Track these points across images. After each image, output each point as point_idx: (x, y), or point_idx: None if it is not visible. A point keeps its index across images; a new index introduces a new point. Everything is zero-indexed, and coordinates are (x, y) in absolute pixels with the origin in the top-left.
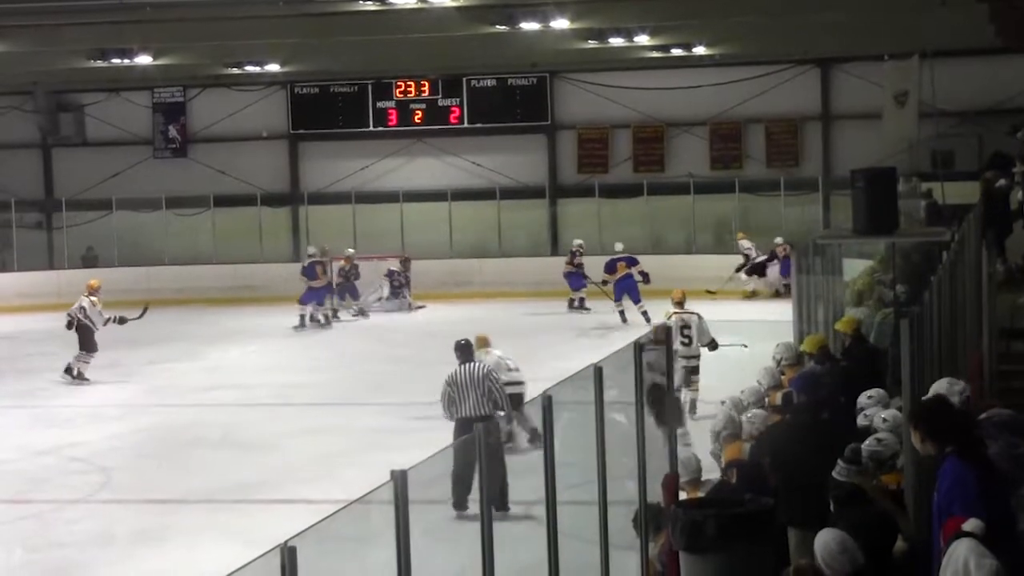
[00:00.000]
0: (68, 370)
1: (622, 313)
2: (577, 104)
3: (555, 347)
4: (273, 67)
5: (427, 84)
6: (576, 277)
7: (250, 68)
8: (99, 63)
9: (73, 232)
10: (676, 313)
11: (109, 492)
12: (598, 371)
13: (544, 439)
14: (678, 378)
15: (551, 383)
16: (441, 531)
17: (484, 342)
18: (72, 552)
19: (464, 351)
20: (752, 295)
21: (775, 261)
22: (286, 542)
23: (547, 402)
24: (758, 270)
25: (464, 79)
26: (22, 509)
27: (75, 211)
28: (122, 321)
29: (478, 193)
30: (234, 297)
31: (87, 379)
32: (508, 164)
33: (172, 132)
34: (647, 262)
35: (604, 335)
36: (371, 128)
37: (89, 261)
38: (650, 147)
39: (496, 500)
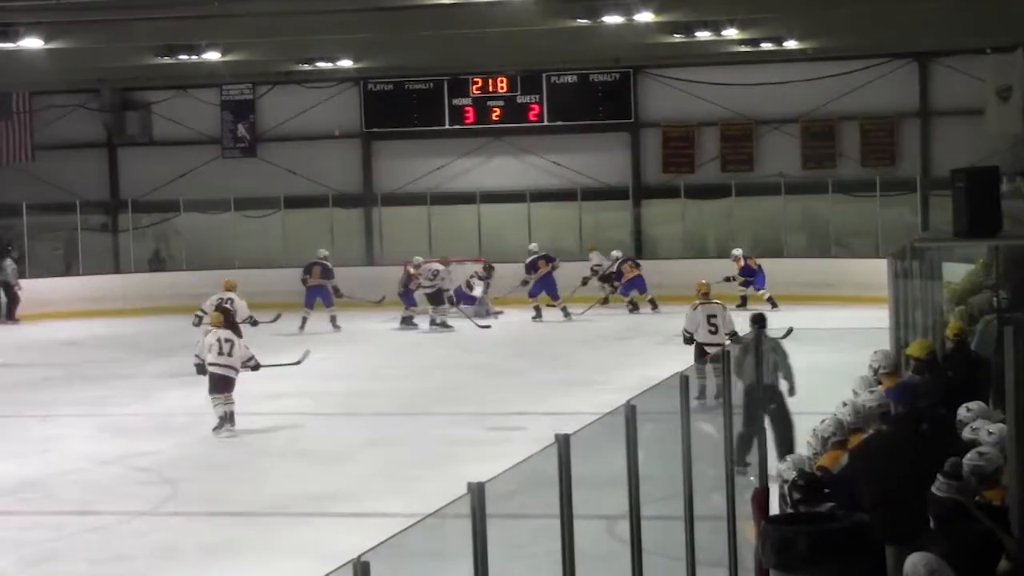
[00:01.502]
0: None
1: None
2: (662, 101)
3: (640, 354)
4: (345, 63)
5: (505, 80)
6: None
7: (321, 64)
8: (166, 60)
9: (139, 234)
10: (702, 304)
11: (177, 504)
12: (684, 380)
13: (628, 451)
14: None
15: (635, 392)
16: (520, 547)
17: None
18: (139, 565)
19: (760, 322)
20: (605, 302)
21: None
22: (359, 557)
23: (631, 412)
24: (608, 280)
25: (544, 75)
26: (88, 520)
27: (141, 213)
28: (254, 323)
29: (558, 194)
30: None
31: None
32: (589, 164)
33: (241, 131)
34: (729, 266)
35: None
36: (447, 126)
37: (156, 264)
38: (738, 145)
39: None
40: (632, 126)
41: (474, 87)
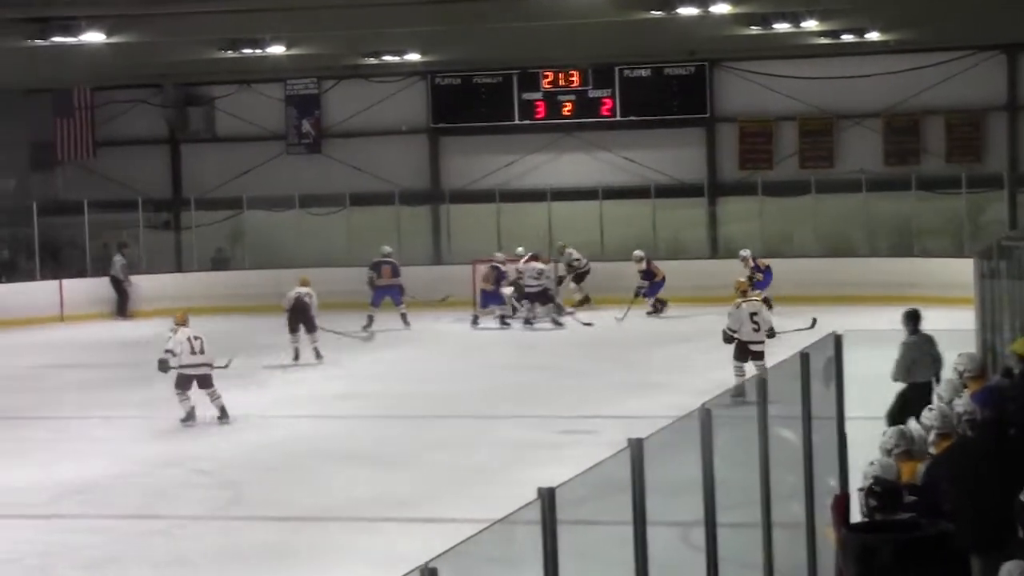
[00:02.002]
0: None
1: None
2: (738, 95)
3: (714, 356)
4: (413, 57)
5: (577, 74)
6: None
7: (388, 58)
8: (229, 54)
9: (202, 232)
10: (744, 302)
11: (237, 508)
12: (761, 383)
13: (703, 456)
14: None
15: (710, 395)
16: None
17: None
18: (199, 570)
19: (915, 319)
20: (584, 302)
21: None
22: (427, 563)
23: (706, 416)
24: (580, 279)
25: (616, 69)
26: (147, 524)
27: (204, 210)
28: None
29: (631, 191)
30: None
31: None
32: (664, 160)
33: (306, 126)
34: (815, 266)
35: (768, 345)
36: (516, 121)
37: (219, 263)
38: (818, 141)
39: None
40: (708, 121)
41: (544, 81)
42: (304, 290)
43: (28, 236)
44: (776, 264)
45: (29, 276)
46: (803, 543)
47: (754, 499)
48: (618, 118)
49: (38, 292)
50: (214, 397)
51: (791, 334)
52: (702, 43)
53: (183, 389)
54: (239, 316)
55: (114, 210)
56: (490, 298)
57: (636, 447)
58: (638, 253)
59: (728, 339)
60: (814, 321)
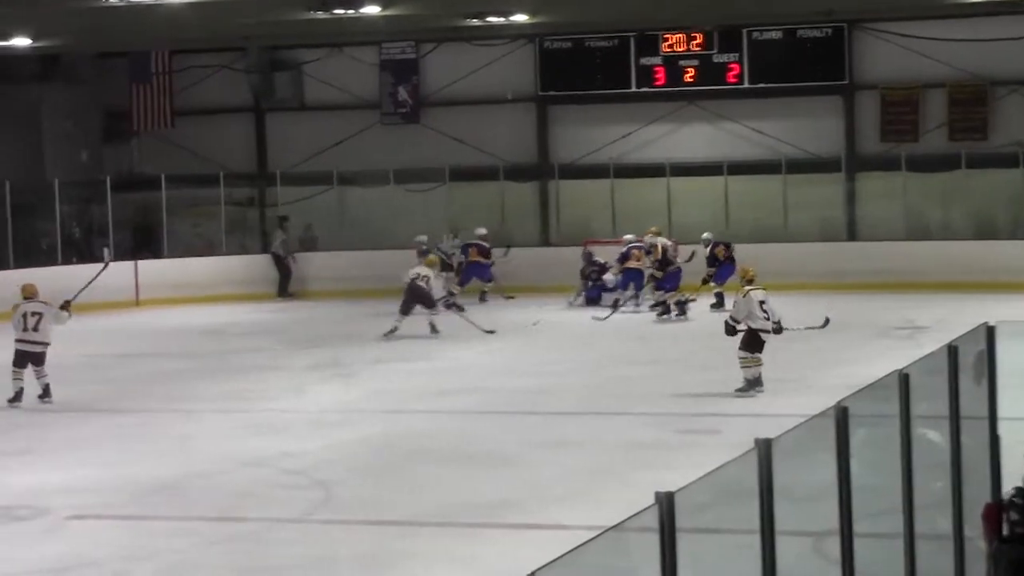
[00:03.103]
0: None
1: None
2: (880, 59)
3: (851, 349)
4: (520, 18)
5: (700, 37)
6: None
7: (493, 19)
8: (320, 14)
9: (289, 210)
10: (751, 290)
11: (330, 511)
12: (904, 378)
13: (838, 459)
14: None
15: (847, 391)
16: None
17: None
18: None
19: None
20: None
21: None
22: (533, 573)
23: (841, 415)
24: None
25: (744, 31)
26: (232, 528)
27: (291, 186)
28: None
29: (760, 166)
30: (472, 287)
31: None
32: (796, 131)
33: (402, 94)
34: (965, 249)
35: (911, 336)
36: (633, 89)
37: (307, 243)
38: (969, 111)
39: None
40: (846, 88)
41: (665, 44)
42: (424, 271)
43: (101, 213)
44: (921, 247)
45: (101, 257)
46: (950, 557)
47: (895, 507)
48: (746, 85)
49: (111, 275)
50: (40, 375)
51: (800, 332)
52: (840, 2)
53: (17, 367)
54: (330, 302)
55: (193, 185)
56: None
57: (764, 448)
58: (707, 236)
59: (731, 330)
60: (827, 321)
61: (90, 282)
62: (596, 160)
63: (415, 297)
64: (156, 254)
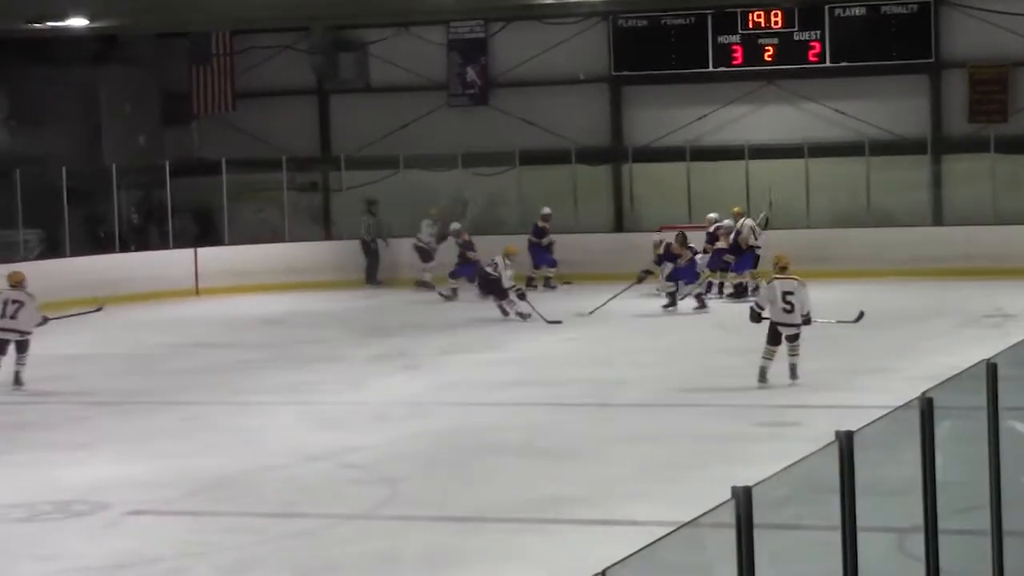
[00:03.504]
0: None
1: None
2: (969, 36)
3: (937, 338)
4: None
5: (780, 14)
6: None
7: None
8: None
9: (354, 195)
10: (779, 279)
11: (394, 507)
12: (991, 368)
13: (923, 453)
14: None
15: (932, 382)
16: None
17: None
18: None
19: None
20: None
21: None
22: (605, 571)
23: (927, 406)
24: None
25: (826, 7)
26: (292, 524)
27: (356, 170)
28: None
29: (842, 148)
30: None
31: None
32: (880, 111)
33: (471, 75)
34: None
35: (999, 324)
36: (710, 68)
37: (373, 230)
38: None
39: None
40: (932, 67)
41: (743, 22)
42: (498, 259)
43: (160, 198)
44: (1011, 232)
45: (161, 243)
46: None
47: (982, 503)
48: (827, 64)
49: (171, 262)
50: (20, 362)
51: (831, 325)
52: None
53: None
54: (396, 291)
55: (255, 169)
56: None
57: (846, 441)
58: (712, 216)
59: (755, 317)
60: (861, 314)
61: (74, 315)
62: (671, 142)
63: (485, 288)
64: (217, 241)
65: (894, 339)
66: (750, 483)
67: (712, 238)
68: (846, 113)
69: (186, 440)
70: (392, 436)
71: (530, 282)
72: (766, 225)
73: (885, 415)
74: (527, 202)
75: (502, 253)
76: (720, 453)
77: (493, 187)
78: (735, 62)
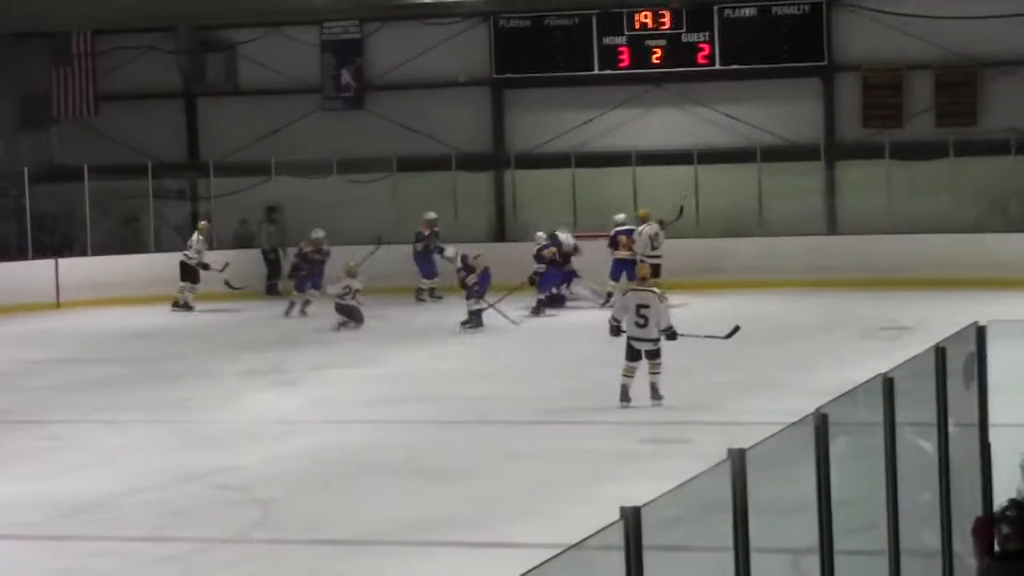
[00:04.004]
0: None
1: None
2: (862, 38)
3: (832, 351)
4: None
5: (667, 15)
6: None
7: None
8: None
9: (223, 203)
10: (633, 291)
11: (267, 530)
12: (888, 383)
13: (818, 470)
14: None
15: (827, 397)
16: None
17: None
18: None
19: None
20: None
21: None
22: None
23: (821, 421)
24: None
25: (715, 8)
26: (162, 548)
27: (225, 176)
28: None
29: (733, 154)
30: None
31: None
32: (772, 116)
33: (346, 77)
34: (953, 243)
35: (896, 337)
36: (596, 71)
37: (243, 238)
38: (958, 94)
39: None
40: (825, 70)
41: (630, 23)
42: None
43: (18, 207)
44: (907, 241)
45: (19, 255)
46: (938, 575)
47: (879, 521)
48: (717, 67)
49: (29, 274)
50: None
51: (703, 340)
52: None
53: None
54: (268, 303)
55: (119, 176)
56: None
57: (738, 459)
58: (619, 218)
59: (614, 331)
60: (736, 328)
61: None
62: (556, 148)
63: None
64: (79, 252)
65: (788, 352)
66: (639, 503)
67: (613, 243)
68: (737, 118)
69: (47, 461)
70: (266, 455)
71: (419, 294)
72: (680, 215)
73: (778, 432)
74: (406, 210)
75: (344, 272)
76: (606, 472)
77: (369, 194)
78: (621, 64)
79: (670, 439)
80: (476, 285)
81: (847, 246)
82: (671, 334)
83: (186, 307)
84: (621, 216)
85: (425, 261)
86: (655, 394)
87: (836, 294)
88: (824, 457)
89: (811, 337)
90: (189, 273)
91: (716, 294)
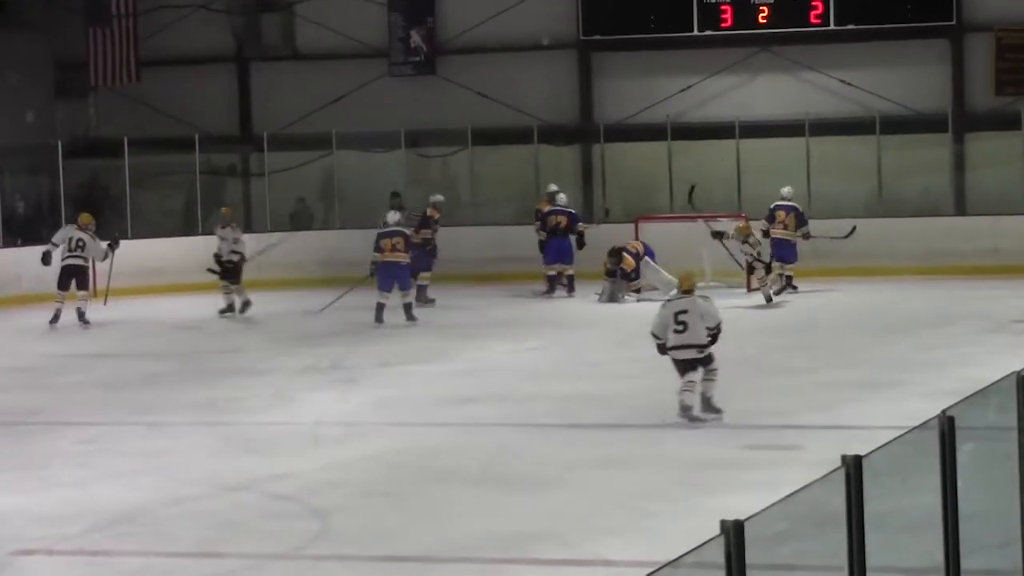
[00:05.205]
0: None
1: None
2: None
3: (959, 347)
4: None
5: None
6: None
7: None
8: None
9: (279, 180)
10: (675, 299)
11: (327, 544)
12: (1022, 381)
13: (943, 480)
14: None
15: (954, 398)
16: None
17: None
18: None
19: None
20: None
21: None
22: None
23: (947, 425)
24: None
25: None
26: (210, 565)
27: (281, 151)
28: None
29: (849, 125)
30: (501, 273)
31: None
32: (893, 83)
33: (415, 40)
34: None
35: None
36: (695, 32)
37: (300, 219)
38: None
39: None
40: (953, 30)
41: None
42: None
43: (52, 184)
44: None
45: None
46: None
47: (1013, 538)
48: (832, 27)
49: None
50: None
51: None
52: None
53: None
54: (329, 290)
55: (164, 150)
56: None
57: (853, 467)
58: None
59: (660, 349)
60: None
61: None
62: (651, 119)
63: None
64: (119, 233)
65: (909, 348)
66: (741, 516)
67: (771, 218)
68: (854, 85)
69: (84, 467)
70: (324, 461)
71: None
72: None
73: (899, 437)
74: (481, 187)
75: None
76: (706, 481)
77: (442, 171)
78: (724, 25)
79: (776, 445)
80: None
81: (976, 228)
82: (714, 334)
83: (240, 308)
84: (787, 190)
85: (423, 254)
86: (708, 406)
87: (963, 282)
88: (950, 465)
89: (934, 331)
90: (228, 272)
91: (828, 282)
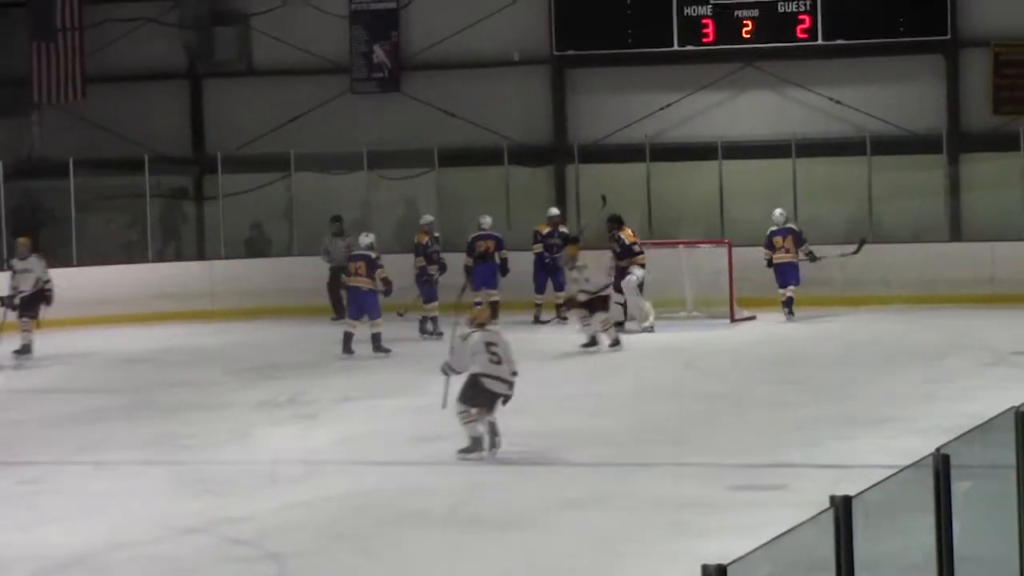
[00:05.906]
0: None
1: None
2: (993, 8)
3: (955, 380)
4: None
5: None
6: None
7: None
8: None
9: (233, 203)
10: (481, 329)
11: None
12: (1021, 418)
13: (938, 521)
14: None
15: (949, 435)
16: None
17: None
18: None
19: None
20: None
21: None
22: None
23: (942, 464)
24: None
25: None
26: None
27: (236, 172)
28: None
29: (838, 145)
30: (470, 301)
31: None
32: (884, 101)
33: (378, 55)
34: None
35: None
36: (675, 47)
37: (256, 246)
38: None
39: None
40: (948, 45)
41: None
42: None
43: None
44: None
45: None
46: None
47: None
48: (820, 42)
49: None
50: None
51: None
52: None
53: None
54: (288, 321)
55: (111, 172)
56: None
57: (842, 508)
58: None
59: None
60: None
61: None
62: (628, 139)
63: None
64: (64, 260)
65: (902, 381)
66: (724, 560)
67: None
68: (843, 103)
69: (25, 509)
70: (284, 502)
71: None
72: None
73: (891, 476)
74: (448, 211)
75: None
76: (686, 522)
77: (406, 193)
78: (706, 40)
79: (761, 485)
80: None
81: (972, 255)
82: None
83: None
84: (779, 213)
85: (423, 284)
86: (493, 437)
87: (959, 312)
88: (945, 505)
89: (929, 363)
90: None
91: (814, 311)
